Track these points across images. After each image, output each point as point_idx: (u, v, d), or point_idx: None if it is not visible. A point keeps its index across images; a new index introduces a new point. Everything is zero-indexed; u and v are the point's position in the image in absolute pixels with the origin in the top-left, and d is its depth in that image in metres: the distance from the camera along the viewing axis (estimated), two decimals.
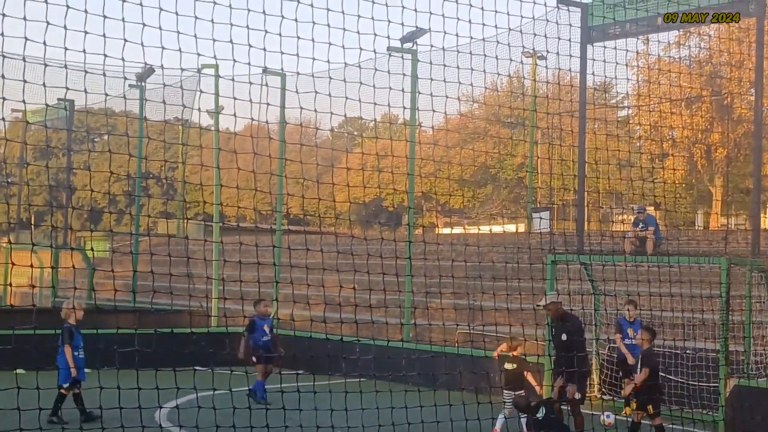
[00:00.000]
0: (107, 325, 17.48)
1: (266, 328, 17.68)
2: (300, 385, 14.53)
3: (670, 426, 13.83)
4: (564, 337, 13.26)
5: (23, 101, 9.77)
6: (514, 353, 14.78)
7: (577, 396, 13.06)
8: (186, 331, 18.06)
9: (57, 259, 31.08)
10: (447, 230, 49.70)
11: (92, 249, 25.55)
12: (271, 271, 22.77)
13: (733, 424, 15.82)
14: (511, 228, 47.94)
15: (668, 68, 25.61)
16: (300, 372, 15.56)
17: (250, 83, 11.94)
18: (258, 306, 17.99)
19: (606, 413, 14.07)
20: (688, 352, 18.06)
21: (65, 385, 14.99)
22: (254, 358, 17.32)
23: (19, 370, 13.06)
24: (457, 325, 20.68)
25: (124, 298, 28.17)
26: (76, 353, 15.08)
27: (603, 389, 18.95)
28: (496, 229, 46.72)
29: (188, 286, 20.22)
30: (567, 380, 13.09)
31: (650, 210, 23.57)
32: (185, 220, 44.20)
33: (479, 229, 39.50)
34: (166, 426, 13.95)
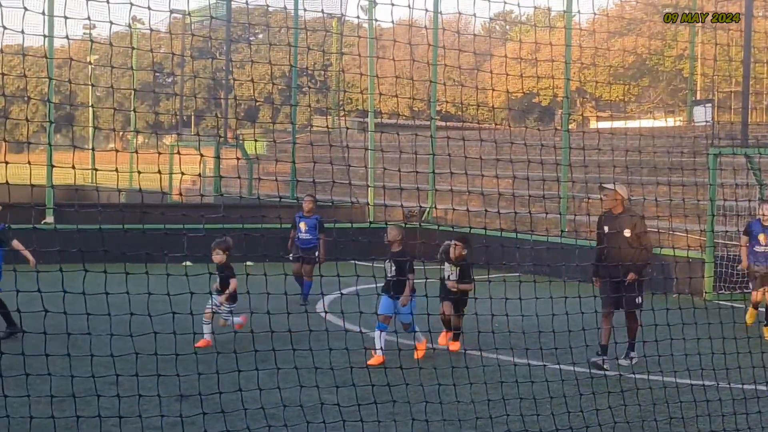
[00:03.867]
0: (268, 219, 17.86)
1: (302, 226, 16.93)
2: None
3: None
4: (627, 233, 12.33)
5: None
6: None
7: (638, 300, 11.80)
8: (346, 225, 18.29)
9: (218, 159, 32.03)
10: (602, 124, 48.72)
11: (255, 140, 25.98)
12: (426, 167, 22.91)
13: None
14: (669, 122, 46.68)
15: None
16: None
17: None
18: (303, 201, 17.26)
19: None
20: None
21: None
22: (290, 256, 16.83)
23: (186, 263, 13.57)
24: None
25: (283, 193, 28.93)
26: None
27: (715, 284, 18.45)
28: (655, 123, 45.53)
29: (348, 181, 20.47)
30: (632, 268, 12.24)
31: None
32: (341, 117, 44.67)
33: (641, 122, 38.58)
34: (329, 316, 14.38)
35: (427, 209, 26.73)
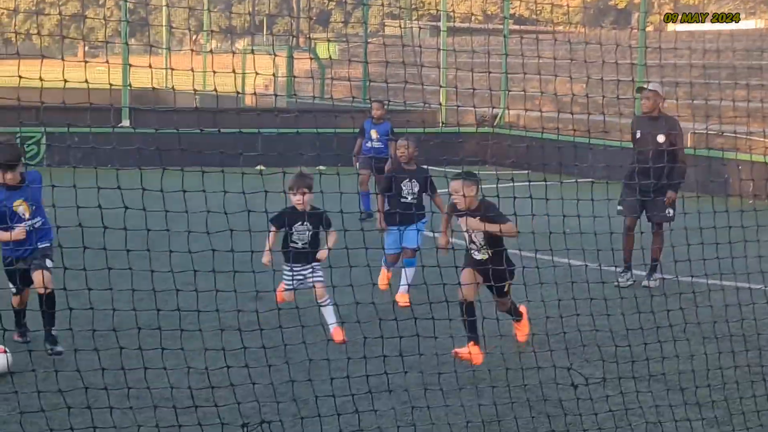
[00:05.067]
0: (340, 122, 17.90)
1: (374, 134, 15.68)
2: (530, 183, 14.64)
3: None
4: (661, 138, 11.41)
5: None
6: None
7: (669, 213, 11.20)
8: (418, 130, 18.27)
9: (291, 62, 32.08)
10: (680, 27, 47.56)
11: (328, 40, 25.95)
12: (498, 71, 22.70)
13: None
14: (750, 24, 45.42)
15: None
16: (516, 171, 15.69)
17: None
18: (372, 108, 16.07)
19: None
20: None
21: None
22: (357, 164, 15.67)
23: (260, 167, 13.71)
24: (694, 124, 20.11)
25: (354, 96, 28.94)
26: None
27: None
28: (735, 26, 44.32)
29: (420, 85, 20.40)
30: (667, 186, 11.21)
31: None
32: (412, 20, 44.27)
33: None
34: None
35: (500, 113, 26.53)
